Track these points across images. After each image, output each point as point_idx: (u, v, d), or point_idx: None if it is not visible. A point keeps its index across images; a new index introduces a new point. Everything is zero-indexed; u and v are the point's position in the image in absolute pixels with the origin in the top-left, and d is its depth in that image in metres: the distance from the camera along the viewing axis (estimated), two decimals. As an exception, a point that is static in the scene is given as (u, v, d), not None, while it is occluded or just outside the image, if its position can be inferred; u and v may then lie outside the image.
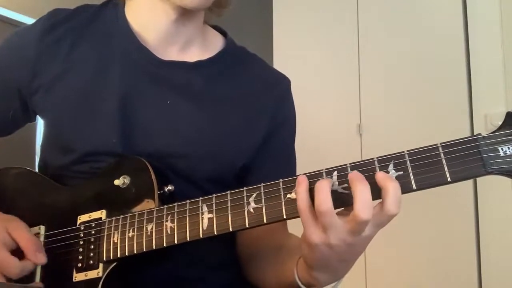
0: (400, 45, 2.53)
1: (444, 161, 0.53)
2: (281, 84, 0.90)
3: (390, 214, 0.54)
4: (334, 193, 0.56)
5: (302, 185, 0.57)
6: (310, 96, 2.70)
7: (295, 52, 2.87)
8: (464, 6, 2.38)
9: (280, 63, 2.85)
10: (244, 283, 0.84)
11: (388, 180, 0.53)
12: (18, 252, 0.71)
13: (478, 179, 2.22)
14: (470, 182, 2.25)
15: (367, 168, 0.56)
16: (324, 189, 0.54)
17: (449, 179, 0.52)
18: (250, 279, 0.84)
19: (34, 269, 0.73)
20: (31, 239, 0.72)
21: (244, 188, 0.62)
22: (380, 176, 0.54)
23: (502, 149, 0.51)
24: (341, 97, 2.68)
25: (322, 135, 2.64)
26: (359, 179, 0.54)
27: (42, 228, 0.77)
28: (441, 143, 0.53)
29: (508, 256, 2.15)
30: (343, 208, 0.58)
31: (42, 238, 0.76)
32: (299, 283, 0.66)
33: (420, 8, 2.51)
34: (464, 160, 0.52)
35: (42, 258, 0.72)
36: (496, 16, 2.28)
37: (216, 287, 0.81)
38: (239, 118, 0.83)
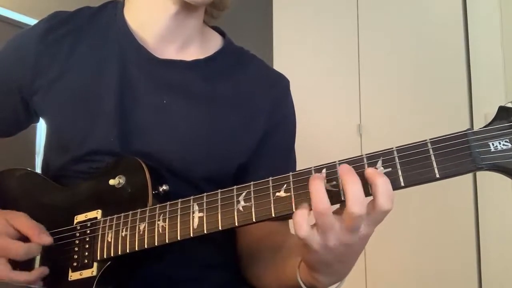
0: (400, 45, 2.53)
1: (433, 157, 0.51)
2: (279, 84, 0.90)
3: (383, 210, 0.52)
4: None
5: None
6: (310, 96, 2.70)
7: (295, 52, 2.87)
8: (464, 6, 2.38)
9: (280, 63, 2.85)
10: (240, 283, 0.83)
11: (377, 176, 0.52)
12: (22, 240, 0.72)
13: (478, 179, 2.21)
14: (470, 182, 2.25)
15: (356, 165, 0.55)
16: (319, 188, 0.53)
17: (437, 176, 0.51)
18: (250, 280, 0.83)
19: (38, 253, 0.73)
20: (32, 224, 0.73)
21: (235, 187, 0.62)
22: (369, 172, 0.53)
23: (493, 144, 0.50)
24: (341, 97, 2.68)
25: (322, 136, 2.64)
26: (349, 172, 0.53)
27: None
28: (430, 139, 0.52)
29: (508, 256, 2.14)
30: (338, 207, 0.56)
31: None
32: (302, 284, 0.64)
33: (420, 8, 2.51)
34: (453, 155, 0.51)
35: (46, 239, 0.72)
36: (496, 16, 2.28)
37: (211, 287, 0.80)
38: (236, 118, 0.82)
